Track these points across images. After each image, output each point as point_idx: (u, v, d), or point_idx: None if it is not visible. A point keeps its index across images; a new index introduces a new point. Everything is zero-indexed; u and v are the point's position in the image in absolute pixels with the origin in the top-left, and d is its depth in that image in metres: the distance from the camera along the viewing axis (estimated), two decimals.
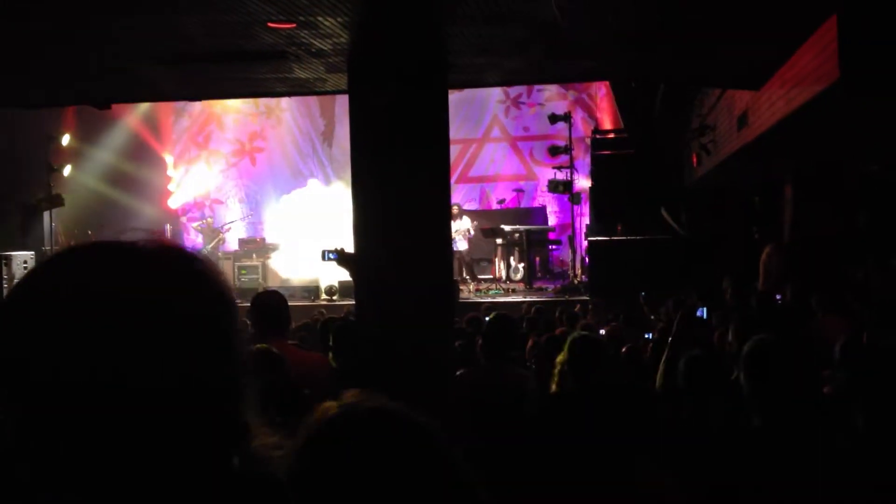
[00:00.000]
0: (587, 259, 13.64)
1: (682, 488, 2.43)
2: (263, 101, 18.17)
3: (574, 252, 14.73)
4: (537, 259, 15.47)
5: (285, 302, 4.15)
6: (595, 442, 2.33)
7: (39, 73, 7.22)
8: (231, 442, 0.78)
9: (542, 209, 17.17)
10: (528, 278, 14.39)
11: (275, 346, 3.35)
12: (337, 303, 13.02)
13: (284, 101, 18.11)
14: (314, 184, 17.35)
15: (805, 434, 2.63)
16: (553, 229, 16.21)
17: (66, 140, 14.44)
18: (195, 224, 16.89)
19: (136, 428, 0.72)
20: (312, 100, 17.99)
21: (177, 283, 0.77)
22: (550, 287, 14.30)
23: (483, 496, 0.91)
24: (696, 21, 5.94)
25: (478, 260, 15.75)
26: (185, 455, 0.74)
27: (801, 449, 2.58)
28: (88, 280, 0.75)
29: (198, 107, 18.29)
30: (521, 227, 14.82)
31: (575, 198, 14.05)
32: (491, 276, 15.52)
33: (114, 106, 10.02)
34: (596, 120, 17.07)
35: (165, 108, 18.05)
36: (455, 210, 14.25)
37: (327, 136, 18.51)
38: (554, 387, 4.71)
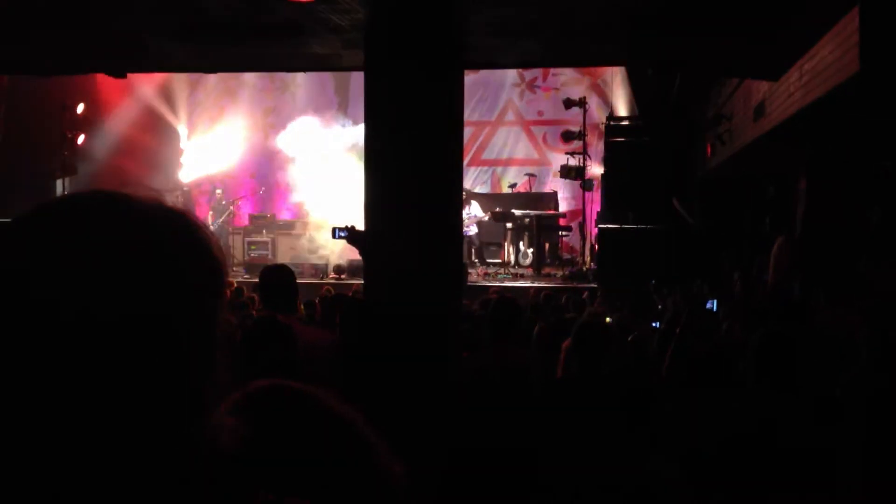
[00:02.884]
0: (597, 246, 13.59)
1: (684, 475, 2.43)
2: (279, 77, 18.12)
3: (584, 239, 14.68)
4: (546, 245, 15.43)
5: (293, 276, 4.15)
6: (597, 426, 2.33)
7: (57, 40, 7.22)
8: (193, 411, 0.79)
9: (554, 195, 17.11)
10: (538, 264, 14.35)
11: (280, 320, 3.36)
12: (345, 282, 13.03)
13: (299, 77, 18.06)
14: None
15: (810, 426, 2.62)
16: (564, 215, 16.13)
17: (80, 109, 14.46)
18: (213, 202, 16.87)
19: (105, 376, 0.73)
20: (327, 76, 17.93)
21: (169, 235, 0.80)
22: (559, 273, 14.27)
23: (399, 475, 0.95)
24: (717, 7, 5.88)
25: (487, 244, 15.72)
26: (147, 417, 0.75)
27: (806, 441, 2.57)
28: (91, 216, 0.79)
29: (213, 80, 18.27)
30: (532, 213, 14.75)
31: (587, 184, 13.97)
32: (500, 261, 15.50)
33: (130, 76, 10.02)
34: (611, 106, 16.94)
35: (181, 81, 18.04)
36: (463, 195, 14.16)
37: (341, 113, 18.47)
38: (559, 371, 4.72)
